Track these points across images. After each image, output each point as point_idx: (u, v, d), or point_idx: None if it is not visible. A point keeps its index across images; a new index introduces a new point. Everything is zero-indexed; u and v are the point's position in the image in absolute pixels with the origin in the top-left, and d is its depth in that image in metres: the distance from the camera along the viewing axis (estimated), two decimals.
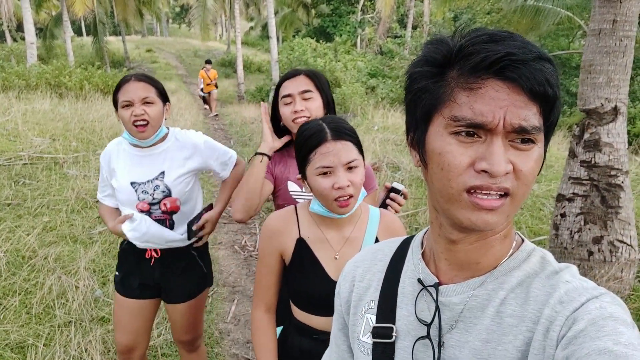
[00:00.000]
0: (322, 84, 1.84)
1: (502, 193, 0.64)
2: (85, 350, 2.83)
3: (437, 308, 0.74)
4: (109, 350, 2.87)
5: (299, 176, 1.46)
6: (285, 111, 1.79)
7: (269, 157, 1.82)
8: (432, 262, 0.78)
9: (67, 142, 7.15)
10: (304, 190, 1.86)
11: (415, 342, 0.76)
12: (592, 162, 3.60)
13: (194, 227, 2.02)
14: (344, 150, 1.35)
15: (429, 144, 0.68)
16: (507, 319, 0.68)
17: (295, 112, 1.76)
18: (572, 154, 3.73)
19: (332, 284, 1.41)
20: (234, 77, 18.02)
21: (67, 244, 4.22)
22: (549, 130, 0.66)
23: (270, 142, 1.83)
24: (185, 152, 1.99)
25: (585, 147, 3.63)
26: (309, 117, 1.75)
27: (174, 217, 2.01)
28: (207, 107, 13.96)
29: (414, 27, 21.96)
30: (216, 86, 13.86)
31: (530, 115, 0.62)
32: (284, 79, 1.84)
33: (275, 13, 19.29)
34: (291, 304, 1.52)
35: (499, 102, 0.61)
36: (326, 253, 1.44)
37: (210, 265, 2.24)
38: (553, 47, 14.02)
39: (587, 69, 3.58)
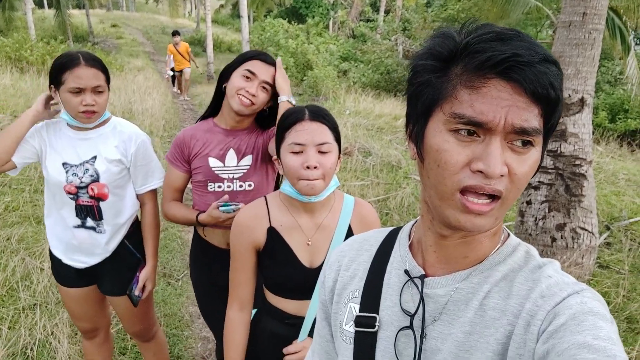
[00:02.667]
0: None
1: (494, 195, 0.64)
2: (52, 333, 2.77)
3: (422, 299, 0.75)
4: (76, 334, 2.82)
5: (275, 157, 1.47)
6: (239, 83, 1.81)
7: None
8: (419, 254, 0.79)
9: None
10: (228, 165, 1.90)
11: (397, 333, 0.77)
12: (558, 151, 3.71)
13: (137, 293, 2.00)
14: (319, 131, 1.37)
15: (428, 138, 0.68)
16: (490, 312, 0.69)
17: (247, 91, 1.80)
18: None
19: (304, 269, 1.43)
20: (204, 56, 17.63)
21: (31, 225, 4.09)
22: (548, 133, 0.66)
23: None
24: (118, 141, 1.91)
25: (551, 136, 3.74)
26: (251, 103, 1.81)
27: (101, 204, 1.92)
28: (176, 90, 12.29)
29: (387, 12, 21.93)
30: (191, 62, 11.98)
31: (531, 117, 0.62)
32: (254, 55, 1.85)
33: None
34: (264, 287, 1.53)
35: (501, 102, 0.61)
36: (298, 239, 1.45)
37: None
38: None
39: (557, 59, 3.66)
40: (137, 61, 16.52)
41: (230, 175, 1.92)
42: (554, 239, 3.71)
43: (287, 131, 1.39)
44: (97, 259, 1.98)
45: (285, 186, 1.44)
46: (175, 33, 11.93)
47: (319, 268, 1.42)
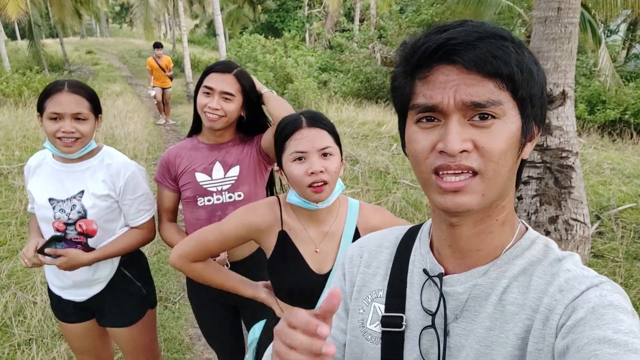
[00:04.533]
0: (247, 87, 1.87)
1: (468, 172, 0.65)
2: None
3: (442, 298, 0.75)
4: None
5: (277, 167, 1.46)
6: (202, 101, 1.82)
7: None
8: (437, 250, 0.79)
9: (10, 151, 6.77)
10: (215, 178, 1.88)
11: (421, 332, 0.77)
12: (544, 145, 3.75)
13: (47, 250, 1.76)
14: (319, 136, 1.37)
15: (405, 136, 0.73)
16: (509, 307, 0.69)
17: (210, 107, 1.80)
18: None
19: (314, 276, 1.42)
20: (182, 76, 17.58)
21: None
22: (523, 104, 0.66)
23: None
24: (106, 175, 1.81)
25: None
26: (218, 117, 1.81)
27: (90, 241, 1.84)
28: (163, 115, 10.74)
29: (361, 21, 22.14)
30: (171, 79, 10.38)
31: (483, 91, 0.63)
32: (209, 70, 1.85)
33: (221, 10, 18.97)
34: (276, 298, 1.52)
35: (448, 84, 0.64)
36: (307, 247, 1.44)
37: (151, 284, 2.08)
38: None
39: (535, 55, 3.72)
40: (115, 86, 16.40)
41: (219, 188, 1.90)
42: (547, 232, 3.73)
43: (286, 141, 1.38)
44: (96, 289, 1.92)
45: (292, 196, 1.43)
46: (157, 45, 10.51)
47: (327, 275, 1.42)
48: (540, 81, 0.68)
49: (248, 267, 1.92)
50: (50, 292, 2.00)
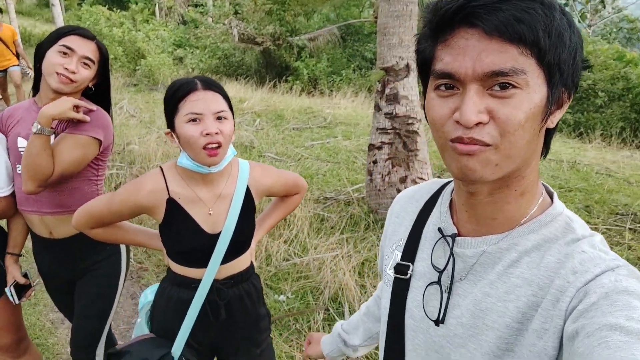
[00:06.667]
0: (105, 58, 1.82)
1: (481, 144, 0.63)
2: None
3: (452, 258, 0.76)
4: None
5: (168, 130, 1.44)
6: (56, 59, 1.68)
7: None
8: (455, 211, 0.80)
9: None
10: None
11: (427, 286, 0.80)
12: (394, 113, 4.15)
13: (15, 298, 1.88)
14: (214, 100, 1.37)
15: (425, 102, 0.70)
16: (514, 279, 0.69)
17: (67, 68, 1.68)
18: (377, 108, 4.25)
19: (207, 236, 1.45)
20: None
21: None
22: (551, 71, 0.62)
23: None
24: None
25: (387, 100, 4.17)
26: (70, 80, 1.69)
27: None
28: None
29: None
30: (18, 57, 7.72)
31: (504, 59, 0.60)
32: (71, 30, 1.74)
33: None
34: (168, 260, 1.53)
35: (468, 50, 0.61)
36: (199, 210, 1.46)
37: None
38: (347, 16, 15.25)
39: (382, 31, 4.07)
40: None
41: None
42: (399, 191, 4.17)
43: (180, 102, 1.36)
44: None
45: (183, 159, 1.41)
46: None
47: (219, 234, 1.45)
48: (573, 45, 0.62)
49: (76, 246, 1.87)
50: None
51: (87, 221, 1.49)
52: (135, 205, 1.44)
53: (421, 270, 0.82)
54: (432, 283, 0.79)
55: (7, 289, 1.89)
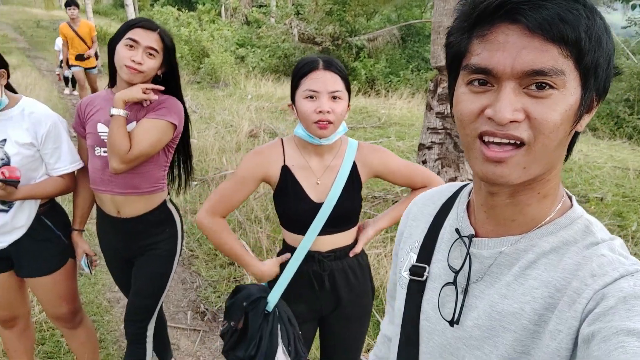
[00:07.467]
0: (169, 47, 1.92)
1: (514, 142, 0.61)
2: None
3: (469, 258, 0.76)
4: None
5: (290, 102, 1.60)
6: (125, 53, 1.82)
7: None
8: (473, 212, 0.80)
9: None
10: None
11: (443, 287, 0.79)
12: (445, 112, 4.10)
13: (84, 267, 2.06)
14: (332, 80, 1.50)
15: (454, 96, 0.69)
16: (531, 281, 0.68)
17: (133, 60, 1.81)
18: (429, 107, 4.21)
19: (313, 204, 1.59)
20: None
21: None
22: (587, 75, 0.61)
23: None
24: (29, 123, 1.86)
25: (439, 100, 4.12)
26: (139, 72, 1.82)
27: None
28: (70, 92, 9.54)
29: None
30: (96, 56, 7.87)
31: (545, 58, 0.59)
32: (135, 23, 1.87)
33: None
34: (283, 231, 1.69)
35: (508, 46, 0.60)
36: (308, 179, 1.61)
37: (71, 236, 2.09)
38: (408, 17, 15.10)
39: (437, 30, 4.02)
40: (10, 59, 14.99)
41: None
42: None
43: (302, 79, 1.52)
44: (16, 234, 1.92)
45: (299, 129, 1.57)
46: (70, 3, 7.33)
47: (322, 204, 1.59)
48: (608, 51, 0.62)
49: (140, 226, 2.00)
50: None
51: (214, 205, 1.62)
52: (261, 172, 1.60)
53: (437, 272, 0.81)
54: (447, 284, 0.78)
55: (82, 262, 2.07)
